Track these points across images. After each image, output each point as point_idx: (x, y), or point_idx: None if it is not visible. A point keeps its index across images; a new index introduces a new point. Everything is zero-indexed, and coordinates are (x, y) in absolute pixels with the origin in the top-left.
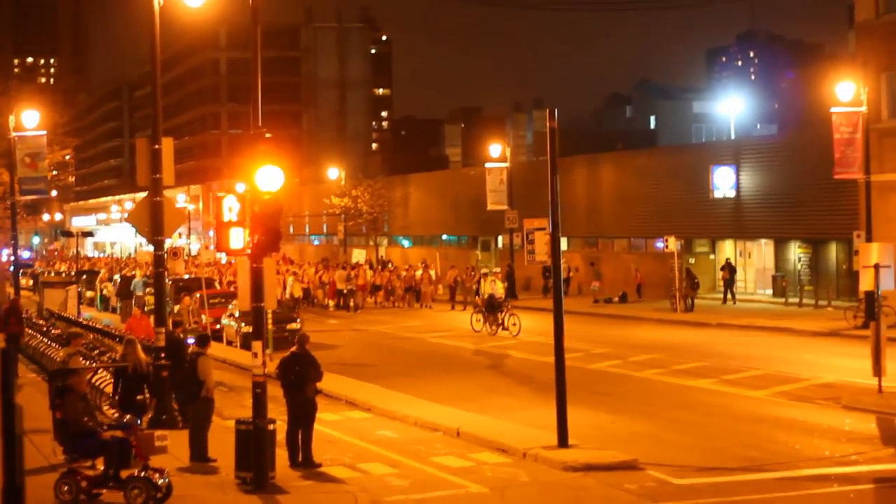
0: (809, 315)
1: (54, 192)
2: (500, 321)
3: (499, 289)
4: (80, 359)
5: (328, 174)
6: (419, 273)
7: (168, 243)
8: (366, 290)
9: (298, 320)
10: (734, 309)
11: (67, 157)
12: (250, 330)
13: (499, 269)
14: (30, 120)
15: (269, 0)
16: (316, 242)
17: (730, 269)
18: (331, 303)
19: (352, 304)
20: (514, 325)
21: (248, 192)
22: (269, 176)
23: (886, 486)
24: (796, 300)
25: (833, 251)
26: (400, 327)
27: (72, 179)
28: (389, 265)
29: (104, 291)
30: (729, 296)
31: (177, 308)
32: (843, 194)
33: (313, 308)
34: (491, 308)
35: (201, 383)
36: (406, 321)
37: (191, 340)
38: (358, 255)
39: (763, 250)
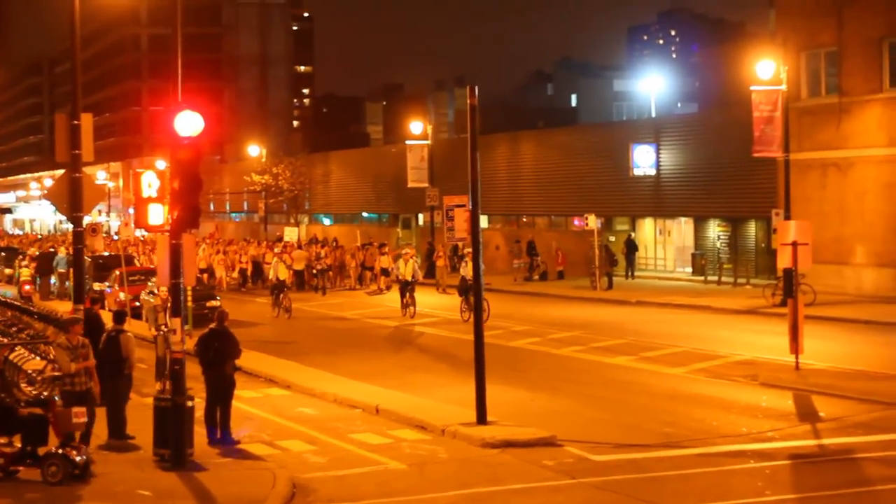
0: (728, 293)
1: None
2: (408, 302)
3: (408, 269)
4: None
5: (249, 151)
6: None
7: (87, 220)
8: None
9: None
10: (653, 286)
11: None
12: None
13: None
14: None
15: None
16: (237, 220)
17: (629, 246)
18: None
19: (319, 284)
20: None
21: (168, 141)
22: (188, 120)
23: (802, 461)
24: (715, 278)
25: (752, 229)
26: (321, 304)
27: None
28: (334, 243)
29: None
30: (630, 272)
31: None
32: (762, 173)
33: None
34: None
35: (124, 360)
36: (333, 299)
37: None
38: (290, 234)
39: (682, 228)
